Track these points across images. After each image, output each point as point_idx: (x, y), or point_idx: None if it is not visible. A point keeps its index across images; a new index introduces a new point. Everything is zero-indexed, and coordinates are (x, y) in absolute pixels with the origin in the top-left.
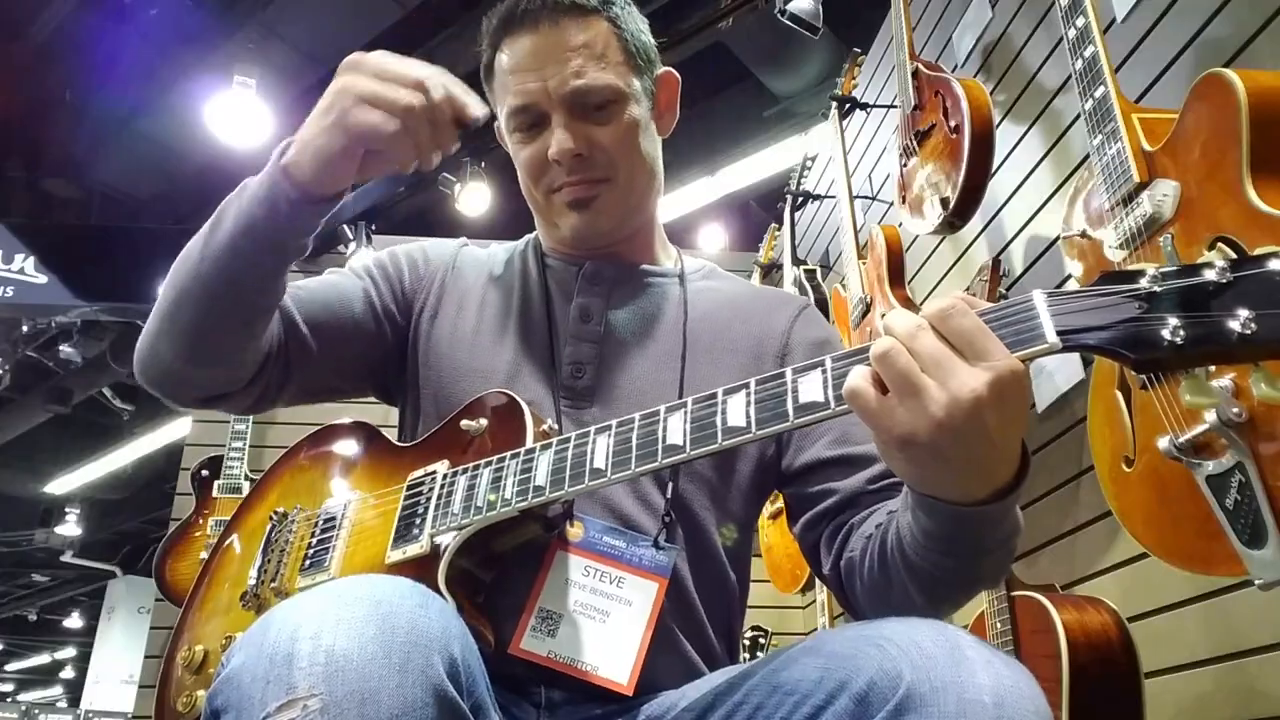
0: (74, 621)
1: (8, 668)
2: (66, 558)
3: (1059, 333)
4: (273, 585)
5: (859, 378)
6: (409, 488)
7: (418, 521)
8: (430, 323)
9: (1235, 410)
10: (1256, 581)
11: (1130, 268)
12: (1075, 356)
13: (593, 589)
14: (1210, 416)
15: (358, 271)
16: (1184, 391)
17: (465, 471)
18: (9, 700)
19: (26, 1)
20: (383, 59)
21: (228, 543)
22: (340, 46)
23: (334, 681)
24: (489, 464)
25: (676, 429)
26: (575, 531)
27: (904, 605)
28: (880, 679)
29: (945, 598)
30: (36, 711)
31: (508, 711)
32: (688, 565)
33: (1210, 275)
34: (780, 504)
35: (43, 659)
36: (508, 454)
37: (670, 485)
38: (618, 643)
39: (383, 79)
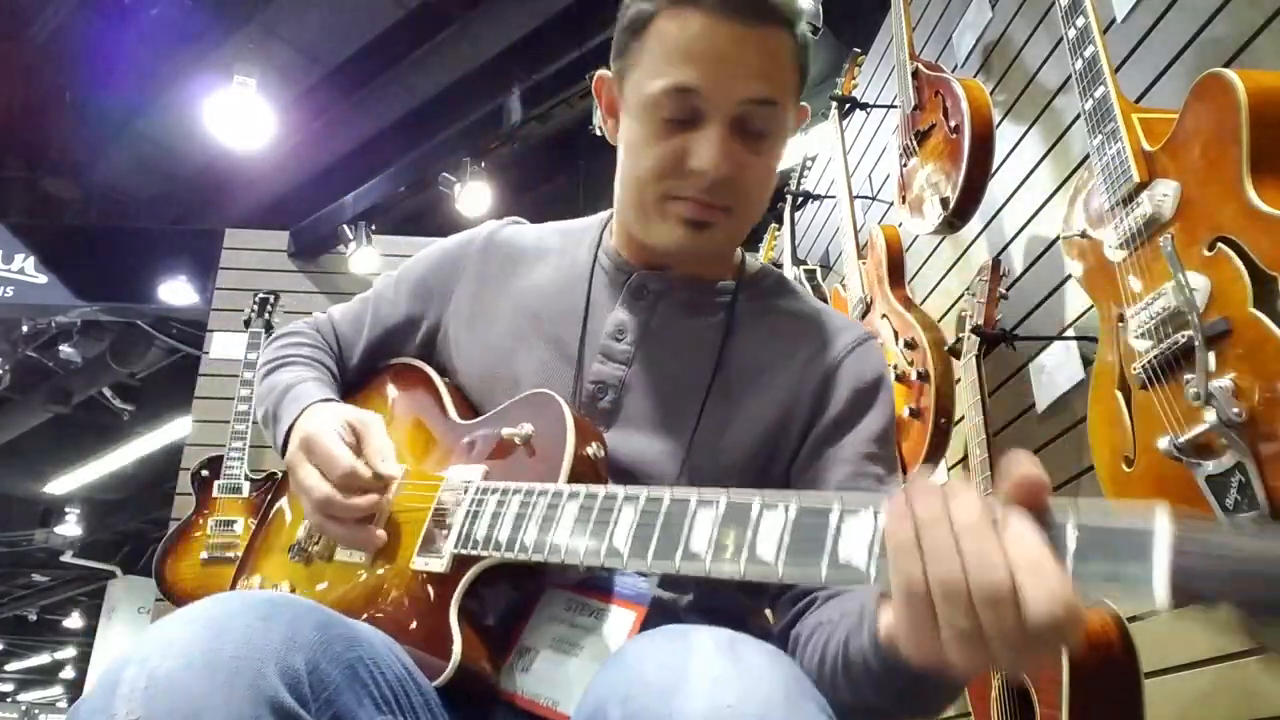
0: (74, 621)
1: (8, 668)
2: (66, 558)
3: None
4: (316, 545)
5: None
6: (445, 489)
7: (444, 532)
8: (459, 324)
9: (1235, 410)
10: None
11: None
12: (1075, 356)
13: (570, 623)
14: (1210, 416)
15: (391, 299)
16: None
17: (495, 492)
18: (9, 700)
19: (26, 1)
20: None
21: None
22: (341, 46)
23: (153, 704)
24: (518, 491)
25: (770, 539)
26: None
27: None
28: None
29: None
30: (36, 711)
31: None
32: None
33: None
34: None
35: (43, 659)
36: (536, 487)
37: None
38: (579, 676)
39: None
